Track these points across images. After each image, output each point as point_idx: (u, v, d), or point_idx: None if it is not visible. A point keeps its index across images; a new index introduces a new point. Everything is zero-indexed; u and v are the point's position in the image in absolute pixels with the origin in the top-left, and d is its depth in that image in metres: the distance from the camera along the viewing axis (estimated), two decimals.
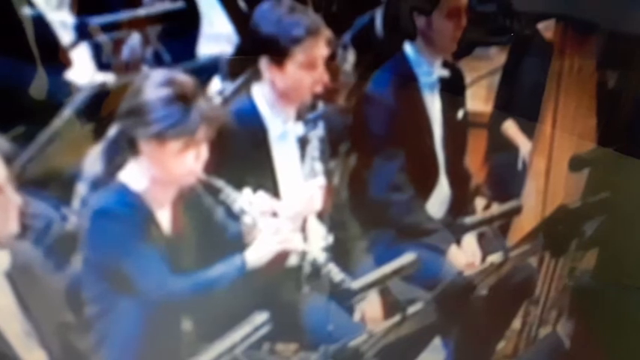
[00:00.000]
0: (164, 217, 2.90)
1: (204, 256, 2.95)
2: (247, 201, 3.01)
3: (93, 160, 2.94)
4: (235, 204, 2.99)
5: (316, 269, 3.10)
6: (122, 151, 2.86)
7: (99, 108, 3.15)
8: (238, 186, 3.02)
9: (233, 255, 2.93)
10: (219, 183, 2.97)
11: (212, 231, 3.00)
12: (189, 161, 2.83)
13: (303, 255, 3.13)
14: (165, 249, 2.87)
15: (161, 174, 2.85)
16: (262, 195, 3.06)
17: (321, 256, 3.08)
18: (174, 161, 2.81)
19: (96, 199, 2.86)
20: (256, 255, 2.93)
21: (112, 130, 2.90)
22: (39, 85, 3.37)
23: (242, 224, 3.00)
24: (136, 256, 2.80)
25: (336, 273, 3.06)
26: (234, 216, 3.01)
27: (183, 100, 2.79)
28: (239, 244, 2.98)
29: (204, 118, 2.81)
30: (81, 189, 2.99)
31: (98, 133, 3.04)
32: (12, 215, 2.54)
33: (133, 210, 2.83)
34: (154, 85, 2.82)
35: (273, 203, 3.11)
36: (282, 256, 3.02)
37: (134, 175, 2.86)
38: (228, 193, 2.98)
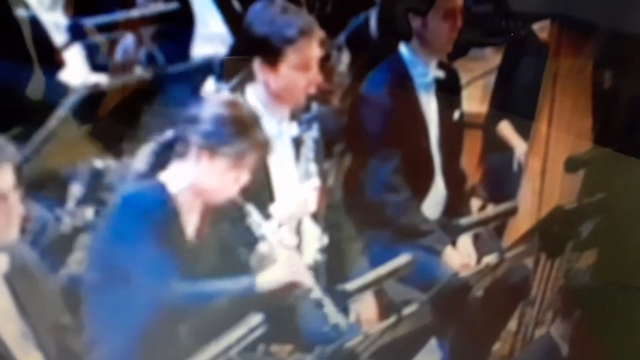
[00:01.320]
0: (190, 223, 2.98)
1: (218, 269, 3.01)
2: (271, 230, 3.07)
3: (142, 157, 2.99)
4: (259, 230, 3.06)
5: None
6: (172, 154, 2.96)
7: (93, 109, 3.18)
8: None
9: (243, 274, 3.00)
10: (249, 207, 3.05)
11: (232, 247, 3.07)
12: (229, 182, 2.95)
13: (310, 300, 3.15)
14: (184, 253, 2.93)
15: (200, 185, 2.95)
16: (285, 229, 3.11)
17: (318, 295, 3.10)
18: (216, 178, 2.93)
19: (130, 188, 2.97)
20: (268, 280, 2.98)
21: (169, 133, 2.98)
22: (36, 86, 3.40)
23: (258, 249, 3.07)
24: (151, 254, 2.85)
25: (332, 312, 3.09)
26: (254, 240, 3.07)
27: (240, 124, 2.93)
28: (251, 266, 3.05)
29: (256, 147, 2.94)
30: (76, 190, 3.03)
31: (94, 134, 3.08)
32: (14, 222, 2.59)
33: (161, 208, 2.91)
34: (217, 102, 2.99)
35: (293, 238, 3.15)
36: (289, 287, 3.04)
37: (174, 178, 2.95)
38: (255, 218, 3.06)
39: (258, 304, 2.92)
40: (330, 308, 3.09)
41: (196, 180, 2.94)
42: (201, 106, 2.96)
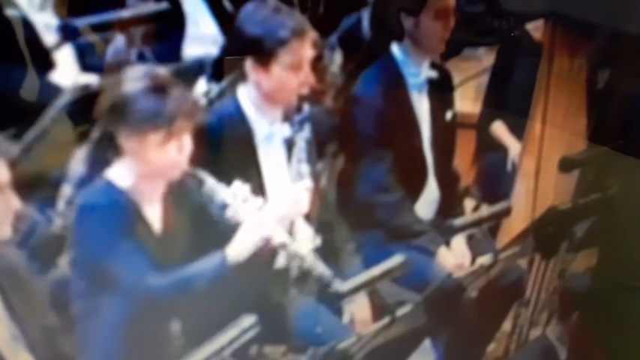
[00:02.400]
0: (153, 213, 2.95)
1: (195, 252, 2.98)
2: (231, 193, 3.03)
3: (78, 161, 2.99)
4: (218, 196, 3.02)
5: (304, 270, 3.13)
6: (105, 150, 2.92)
7: (84, 109, 3.18)
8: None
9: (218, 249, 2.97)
10: (202, 174, 3.00)
11: (203, 227, 3.03)
12: (172, 153, 2.88)
13: (290, 257, 3.16)
14: (154, 245, 2.92)
15: (145, 169, 2.90)
16: (246, 188, 3.07)
17: (308, 257, 3.11)
18: (156, 154, 2.87)
19: (82, 197, 2.92)
20: (237, 249, 2.96)
21: (96, 131, 2.96)
22: (30, 87, 3.42)
23: (224, 218, 3.03)
24: (120, 253, 2.84)
25: (322, 268, 3.09)
26: (219, 209, 3.03)
27: (158, 91, 2.86)
28: (224, 239, 3.00)
29: (181, 109, 2.87)
30: (66, 190, 3.04)
31: (84, 135, 3.09)
32: (7, 219, 2.60)
33: (119, 206, 2.88)
34: (130, 80, 2.90)
35: (256, 197, 3.11)
36: (265, 251, 3.03)
37: (120, 173, 2.91)
38: (211, 185, 3.01)
39: (240, 277, 2.91)
40: (311, 259, 3.09)
41: (139, 167, 2.89)
42: (112, 91, 2.90)
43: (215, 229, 3.05)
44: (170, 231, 2.97)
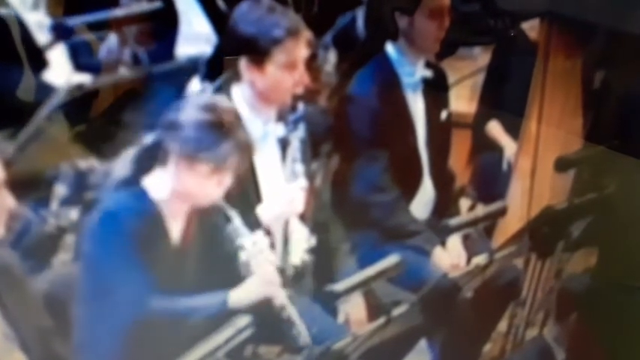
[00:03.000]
0: (176, 228, 2.99)
1: (205, 274, 3.02)
2: (251, 240, 3.06)
3: (123, 164, 2.99)
4: (238, 238, 3.05)
5: (299, 272, 3.15)
6: (153, 160, 2.95)
7: (85, 110, 3.20)
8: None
9: (227, 282, 2.99)
10: (232, 213, 3.04)
11: (216, 256, 3.06)
12: (212, 186, 2.94)
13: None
14: (170, 260, 2.96)
15: (182, 190, 2.95)
16: (266, 241, 3.09)
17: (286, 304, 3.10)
18: (198, 183, 2.93)
19: (112, 199, 2.96)
20: (241, 296, 2.98)
21: (149, 138, 2.98)
22: (26, 87, 3.43)
23: (237, 259, 3.06)
24: (136, 263, 2.86)
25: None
26: (234, 249, 3.06)
27: (221, 128, 2.90)
28: (234, 275, 3.04)
29: (238, 149, 2.92)
30: (60, 190, 3.04)
31: (80, 135, 3.10)
32: (1, 218, 2.60)
33: (145, 215, 2.92)
34: (197, 106, 2.94)
35: (273, 255, 3.14)
36: (262, 303, 3.02)
37: (156, 184, 2.95)
38: (237, 225, 3.05)
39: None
40: (299, 327, 3.09)
41: (178, 186, 2.94)
42: (179, 111, 2.94)
43: (226, 263, 3.07)
44: (186, 250, 3.02)
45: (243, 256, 3.05)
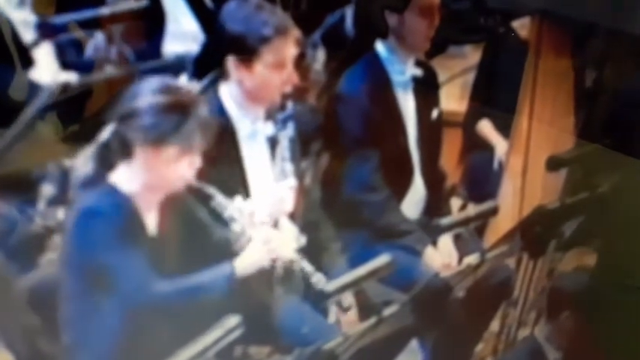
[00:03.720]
0: (151, 220, 2.98)
1: (190, 260, 3.01)
2: (238, 209, 3.08)
3: (84, 161, 2.97)
4: (226, 211, 3.07)
5: (290, 270, 3.16)
6: (115, 153, 2.93)
7: (79, 110, 3.20)
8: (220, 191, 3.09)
9: (220, 262, 3.00)
10: (211, 190, 3.05)
11: (198, 236, 3.07)
12: (183, 168, 2.92)
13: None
14: (151, 252, 2.94)
15: (153, 178, 2.93)
16: (253, 204, 3.12)
17: (294, 258, 3.13)
18: (168, 167, 2.91)
19: (84, 199, 2.93)
20: (246, 263, 3.00)
21: (106, 132, 2.95)
22: (18, 86, 3.43)
23: (230, 232, 3.08)
24: (121, 258, 2.86)
25: (311, 272, 3.12)
26: (222, 222, 3.07)
27: (180, 108, 2.88)
28: (226, 251, 3.05)
29: (201, 127, 2.90)
30: (47, 190, 3.05)
31: (71, 134, 3.10)
32: None
33: (120, 211, 2.90)
34: (152, 91, 2.91)
35: (262, 212, 3.15)
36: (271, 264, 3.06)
37: (125, 178, 2.93)
38: (219, 200, 3.06)
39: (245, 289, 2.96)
40: (316, 277, 3.11)
41: (148, 176, 2.92)
42: (134, 99, 2.90)
43: (212, 239, 3.09)
44: (166, 238, 3.01)
45: (236, 227, 3.07)
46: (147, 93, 2.90)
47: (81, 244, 2.88)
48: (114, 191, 2.92)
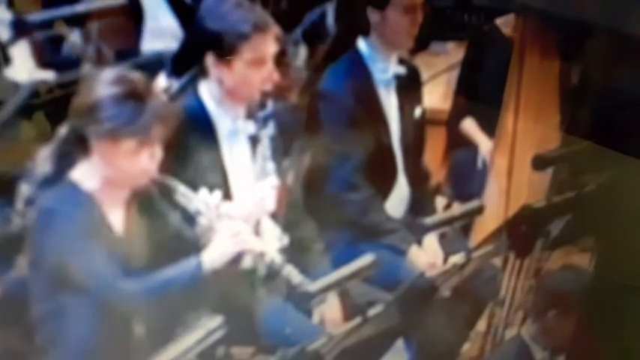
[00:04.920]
0: (117, 218, 2.99)
1: (159, 257, 3.02)
2: (203, 202, 3.10)
3: (43, 159, 2.99)
4: (191, 204, 3.08)
5: (273, 271, 3.19)
6: (73, 150, 2.94)
7: (59, 108, 3.20)
8: (188, 186, 3.12)
9: (188, 257, 3.02)
10: (174, 183, 3.06)
11: (166, 232, 3.08)
12: (144, 161, 2.92)
13: (258, 257, 3.21)
14: (118, 250, 2.95)
15: (114, 174, 2.94)
16: (218, 196, 3.14)
17: (277, 258, 3.16)
18: (128, 161, 2.91)
19: (45, 199, 2.94)
20: (213, 257, 3.03)
21: (63, 129, 2.97)
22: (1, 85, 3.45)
23: (197, 225, 3.10)
24: (86, 257, 2.87)
25: (294, 275, 3.15)
26: (190, 217, 3.09)
27: (135, 98, 2.88)
28: (194, 245, 3.07)
29: (158, 117, 2.90)
30: (25, 189, 3.06)
31: (44, 133, 3.11)
32: None
33: (82, 210, 2.91)
34: (105, 83, 2.90)
35: (228, 204, 3.19)
36: (238, 257, 3.10)
37: (85, 175, 2.94)
38: (183, 193, 3.08)
39: (212, 285, 2.98)
40: (288, 268, 3.14)
41: (108, 171, 2.93)
42: (89, 92, 2.91)
43: (180, 235, 3.10)
44: (133, 236, 3.02)
45: (203, 220, 3.09)
46: (100, 85, 2.90)
47: (43, 244, 2.90)
48: (74, 189, 2.93)
